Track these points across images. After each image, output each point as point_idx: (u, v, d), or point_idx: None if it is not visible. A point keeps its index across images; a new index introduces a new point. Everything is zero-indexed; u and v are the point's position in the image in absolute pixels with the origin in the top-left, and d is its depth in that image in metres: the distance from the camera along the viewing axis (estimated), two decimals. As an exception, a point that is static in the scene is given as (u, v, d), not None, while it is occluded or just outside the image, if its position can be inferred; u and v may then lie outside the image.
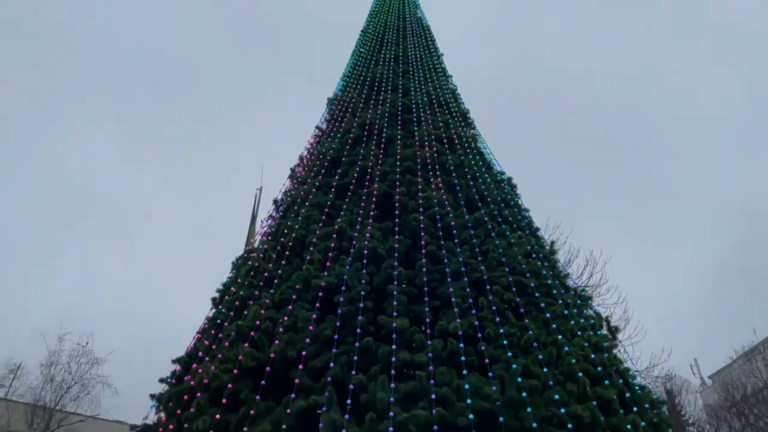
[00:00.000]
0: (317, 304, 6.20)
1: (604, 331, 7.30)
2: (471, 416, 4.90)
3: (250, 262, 7.65)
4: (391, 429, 4.71)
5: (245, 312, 6.49)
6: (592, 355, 6.06)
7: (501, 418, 4.98)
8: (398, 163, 8.43)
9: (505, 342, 5.79)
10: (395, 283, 6.39)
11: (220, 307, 7.15)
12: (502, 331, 5.92)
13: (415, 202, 7.69)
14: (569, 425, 5.04)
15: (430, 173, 8.43)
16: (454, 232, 7.34)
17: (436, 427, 4.80)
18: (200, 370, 5.94)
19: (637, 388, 6.55)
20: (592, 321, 7.19)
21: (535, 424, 5.02)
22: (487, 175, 9.22)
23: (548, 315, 6.40)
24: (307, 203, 8.08)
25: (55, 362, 24.35)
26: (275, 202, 9.34)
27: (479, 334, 5.87)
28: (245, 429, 5.08)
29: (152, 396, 6.44)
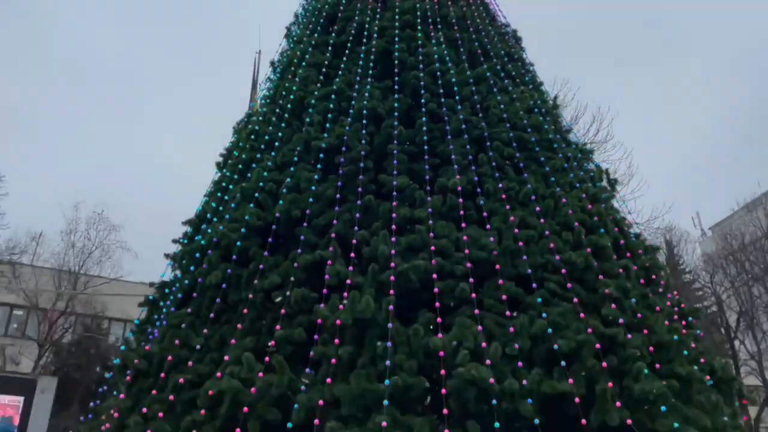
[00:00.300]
0: (318, 165, 6.28)
1: (604, 183, 7.41)
2: (469, 265, 5.15)
3: (250, 126, 7.65)
4: (392, 278, 4.98)
5: (249, 174, 6.60)
6: (589, 206, 6.21)
7: (497, 266, 5.24)
8: (397, 17, 8.06)
9: (503, 196, 5.92)
10: (395, 142, 6.40)
11: (224, 170, 7.26)
12: (500, 185, 6.03)
13: (415, 58, 7.46)
14: (563, 270, 5.30)
15: (431, 27, 8.10)
16: (455, 89, 7.20)
17: (435, 276, 5.07)
18: (209, 230, 6.19)
19: (632, 236, 6.80)
20: (592, 174, 7.28)
21: (530, 271, 5.29)
22: (491, 28, 8.86)
23: (547, 169, 6.47)
24: (304, 63, 7.88)
25: (74, 230, 25.35)
26: (272, 63, 9.10)
27: (478, 189, 5.99)
28: (255, 281, 5.40)
29: (167, 255, 6.78)
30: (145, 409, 4.87)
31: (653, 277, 6.31)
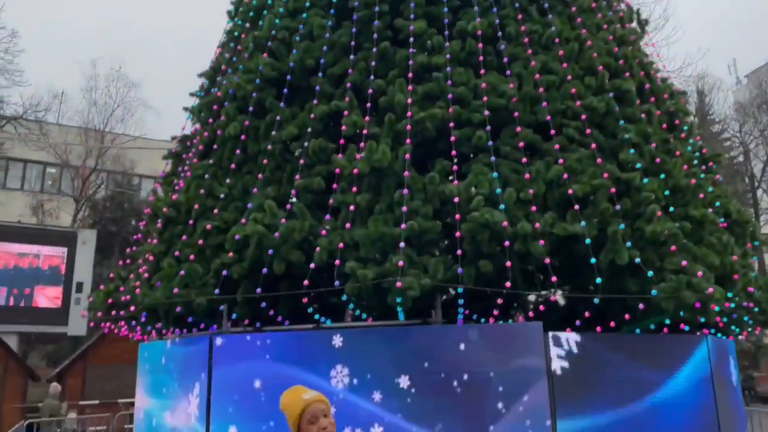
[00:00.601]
0: (332, 11, 6.01)
1: (634, 24, 7.01)
2: (486, 112, 5.08)
3: (259, -31, 7.22)
4: (408, 127, 4.96)
5: (260, 22, 6.37)
6: (615, 49, 5.94)
7: (516, 113, 5.16)
8: None
9: (525, 39, 5.66)
10: (412, -18, 6.03)
11: (236, 19, 7.00)
12: (523, 28, 5.74)
13: None
14: (583, 116, 5.21)
15: None
16: None
17: (452, 124, 5.03)
18: (225, 81, 6.12)
19: (659, 81, 6.55)
20: (621, 14, 6.86)
21: (549, 117, 5.20)
22: None
23: (573, 9, 6.11)
24: None
25: (94, 87, 25.30)
26: None
27: (499, 33, 5.73)
28: (273, 133, 5.44)
29: (185, 108, 6.79)
30: (177, 253, 5.19)
31: (677, 122, 6.18)
